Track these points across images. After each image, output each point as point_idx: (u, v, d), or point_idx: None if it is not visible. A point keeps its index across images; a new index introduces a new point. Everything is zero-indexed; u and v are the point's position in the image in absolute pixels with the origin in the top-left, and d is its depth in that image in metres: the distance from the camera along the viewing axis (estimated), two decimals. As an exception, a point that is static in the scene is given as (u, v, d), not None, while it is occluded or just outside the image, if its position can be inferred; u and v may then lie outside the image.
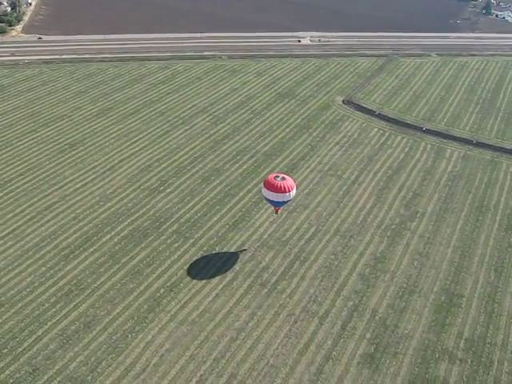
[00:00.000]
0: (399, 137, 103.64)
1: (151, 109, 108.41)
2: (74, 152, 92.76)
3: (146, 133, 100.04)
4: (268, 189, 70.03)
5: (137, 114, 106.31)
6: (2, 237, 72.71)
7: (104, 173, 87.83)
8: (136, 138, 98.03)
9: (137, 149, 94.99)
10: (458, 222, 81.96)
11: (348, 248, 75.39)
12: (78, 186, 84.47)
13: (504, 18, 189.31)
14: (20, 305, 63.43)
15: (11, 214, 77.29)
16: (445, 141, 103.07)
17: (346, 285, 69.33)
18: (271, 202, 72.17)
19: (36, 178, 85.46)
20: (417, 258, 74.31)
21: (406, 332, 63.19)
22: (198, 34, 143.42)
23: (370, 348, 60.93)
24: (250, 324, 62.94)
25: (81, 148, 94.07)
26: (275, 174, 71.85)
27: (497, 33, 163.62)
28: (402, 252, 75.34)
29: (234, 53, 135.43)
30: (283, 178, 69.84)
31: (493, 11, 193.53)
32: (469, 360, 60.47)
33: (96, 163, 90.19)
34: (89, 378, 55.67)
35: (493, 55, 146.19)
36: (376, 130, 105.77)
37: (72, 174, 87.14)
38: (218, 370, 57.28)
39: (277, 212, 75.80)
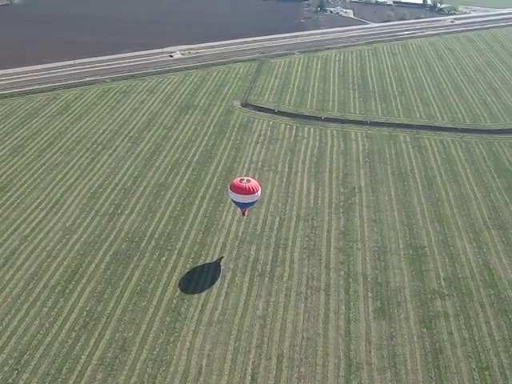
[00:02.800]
0: (306, 128, 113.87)
1: (64, 140, 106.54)
2: (8, 194, 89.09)
3: (72, 163, 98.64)
4: (236, 192, 73.61)
5: (52, 146, 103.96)
6: (-16, 289, 69.45)
7: (52, 208, 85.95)
8: (66, 170, 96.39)
9: (72, 179, 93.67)
10: (390, 189, 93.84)
11: (315, 229, 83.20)
12: (33, 225, 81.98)
13: (338, 12, 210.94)
14: (42, 348, 61.95)
15: (-22, 267, 73.38)
16: (345, 125, 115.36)
17: (330, 259, 77.06)
18: (240, 204, 75.85)
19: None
20: (374, 225, 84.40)
21: (397, 284, 72.69)
22: (70, 62, 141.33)
23: (377, 303, 69.41)
24: (269, 310, 67.96)
25: (13, 189, 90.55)
26: (239, 178, 76.06)
27: (338, 27, 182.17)
28: (360, 222, 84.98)
29: (115, 75, 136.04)
30: (248, 181, 74.38)
31: (326, 8, 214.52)
32: (454, 294, 71.57)
33: (38, 200, 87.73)
34: (152, 393, 57.05)
35: (345, 47, 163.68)
36: (283, 125, 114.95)
37: (19, 215, 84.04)
38: (265, 354, 61.78)
39: (244, 214, 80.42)
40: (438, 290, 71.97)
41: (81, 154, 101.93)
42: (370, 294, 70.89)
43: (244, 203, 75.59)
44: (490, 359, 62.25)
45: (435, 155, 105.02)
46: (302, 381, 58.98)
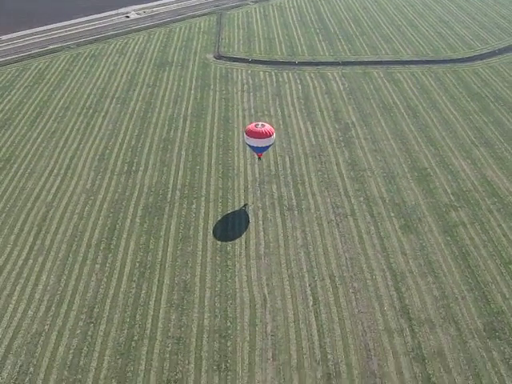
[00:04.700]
0: (284, 73, 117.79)
1: (51, 108, 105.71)
2: (16, 165, 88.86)
3: (69, 129, 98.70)
4: (252, 137, 76.58)
5: (42, 116, 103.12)
6: (26, 259, 71.06)
7: (66, 173, 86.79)
8: (65, 136, 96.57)
9: (75, 145, 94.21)
10: (380, 121, 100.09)
11: (324, 163, 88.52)
12: (53, 191, 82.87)
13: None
14: (109, 300, 64.86)
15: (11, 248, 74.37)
16: (319, 67, 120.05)
17: (347, 187, 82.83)
18: (256, 148, 78.76)
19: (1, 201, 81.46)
20: (376, 154, 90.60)
21: (413, 203, 79.50)
22: (27, 31, 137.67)
23: (401, 221, 76.09)
24: (308, 238, 73.30)
25: (19, 160, 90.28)
26: (254, 123, 79.28)
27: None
28: (363, 153, 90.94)
29: (78, 40, 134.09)
30: (263, 125, 77.40)
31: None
32: (464, 205, 79.20)
33: (49, 168, 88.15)
34: (228, 325, 61.57)
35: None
36: (262, 72, 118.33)
37: (35, 183, 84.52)
38: (318, 276, 67.28)
39: (260, 158, 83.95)
40: (450, 204, 79.34)
41: (74, 120, 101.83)
42: (392, 214, 77.37)
43: (261, 147, 79.11)
44: (510, 255, 70.42)
45: (410, 87, 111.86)
46: (358, 294, 64.98)
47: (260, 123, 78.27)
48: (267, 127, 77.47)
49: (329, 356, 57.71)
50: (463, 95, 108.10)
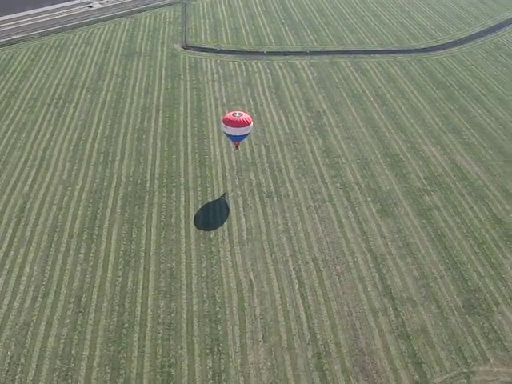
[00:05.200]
0: (253, 63, 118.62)
1: (20, 99, 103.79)
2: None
3: (40, 120, 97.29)
4: (230, 125, 76.99)
5: (10, 107, 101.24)
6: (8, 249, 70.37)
7: (41, 164, 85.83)
8: (36, 127, 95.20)
9: (48, 135, 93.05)
10: (350, 109, 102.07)
11: (299, 151, 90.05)
12: (29, 182, 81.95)
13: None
14: (95, 290, 65.41)
15: (-9, 228, 73.32)
16: (287, 57, 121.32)
17: (322, 174, 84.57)
18: (234, 137, 79.52)
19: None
20: (349, 141, 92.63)
21: (388, 188, 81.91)
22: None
23: (378, 205, 78.37)
24: (289, 224, 74.79)
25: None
26: (232, 112, 79.77)
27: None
28: (336, 141, 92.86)
29: (41, 30, 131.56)
30: (241, 114, 77.97)
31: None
32: (437, 189, 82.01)
33: (23, 159, 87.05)
34: (217, 310, 62.59)
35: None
36: (231, 62, 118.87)
37: (9, 174, 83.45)
38: (302, 260, 68.91)
39: (237, 147, 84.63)
40: (423, 188, 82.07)
41: (44, 110, 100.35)
42: (368, 199, 79.57)
43: (239, 136, 79.88)
44: (483, 235, 73.47)
45: (378, 76, 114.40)
46: (341, 276, 66.91)
47: (238, 112, 79.00)
48: (245, 116, 78.31)
49: (318, 336, 59.35)
50: (428, 84, 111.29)
